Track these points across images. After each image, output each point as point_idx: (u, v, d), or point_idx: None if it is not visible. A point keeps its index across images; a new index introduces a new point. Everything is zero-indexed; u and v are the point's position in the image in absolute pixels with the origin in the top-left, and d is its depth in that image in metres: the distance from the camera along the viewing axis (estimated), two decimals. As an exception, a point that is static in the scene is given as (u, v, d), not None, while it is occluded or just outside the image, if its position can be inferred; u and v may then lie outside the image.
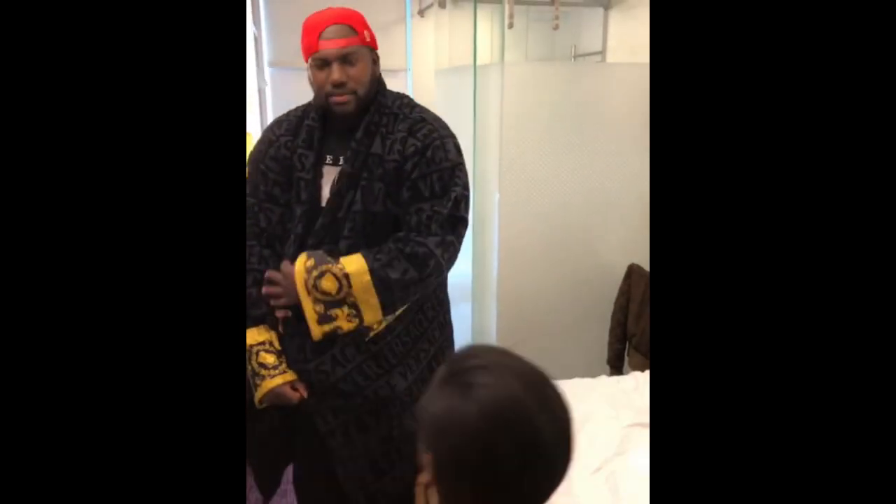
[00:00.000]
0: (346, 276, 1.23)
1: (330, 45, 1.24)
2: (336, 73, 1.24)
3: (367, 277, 1.23)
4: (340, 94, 1.26)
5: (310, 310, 1.25)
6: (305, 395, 1.33)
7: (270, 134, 1.39)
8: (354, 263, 1.24)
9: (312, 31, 1.25)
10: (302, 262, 1.25)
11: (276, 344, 1.34)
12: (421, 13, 3.36)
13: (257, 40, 2.92)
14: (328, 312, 1.25)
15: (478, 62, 2.38)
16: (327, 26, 1.24)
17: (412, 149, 1.29)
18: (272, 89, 3.10)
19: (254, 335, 1.33)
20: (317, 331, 1.26)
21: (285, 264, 1.28)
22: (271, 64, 3.12)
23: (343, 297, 1.24)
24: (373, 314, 1.26)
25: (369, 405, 1.33)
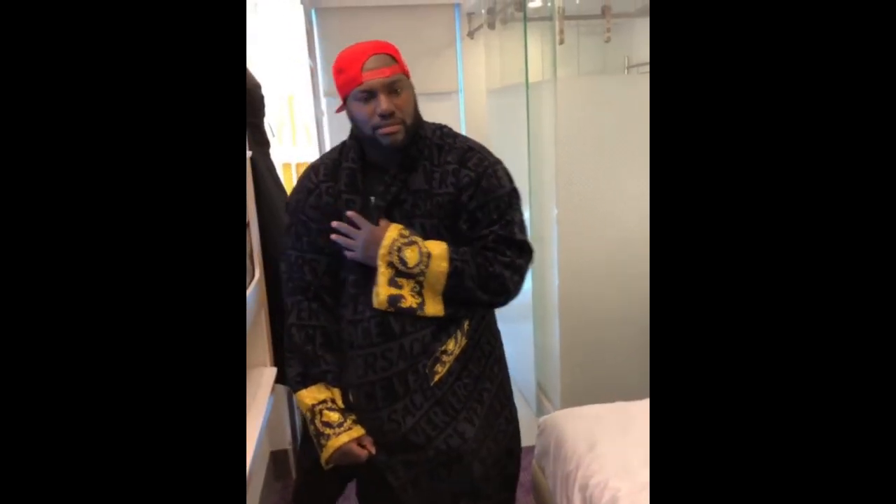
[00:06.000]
0: (428, 255, 1.23)
1: (375, 75, 1.19)
2: (384, 103, 1.19)
3: (445, 266, 1.23)
4: (389, 125, 1.20)
5: (383, 270, 1.23)
6: (374, 450, 1.29)
7: (308, 182, 1.33)
8: (437, 248, 1.24)
9: (353, 64, 1.19)
10: (396, 227, 1.24)
11: (339, 401, 1.30)
12: (470, 35, 3.40)
13: (313, 72, 3.00)
14: (396, 279, 1.24)
15: (530, 80, 2.38)
16: (368, 57, 1.19)
17: (466, 179, 1.25)
18: (329, 118, 3.18)
19: (314, 393, 1.30)
20: (384, 293, 1.24)
21: (368, 225, 1.25)
22: (327, 94, 3.21)
23: (416, 273, 1.23)
24: (433, 305, 1.25)
25: (441, 457, 1.29)
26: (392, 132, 1.21)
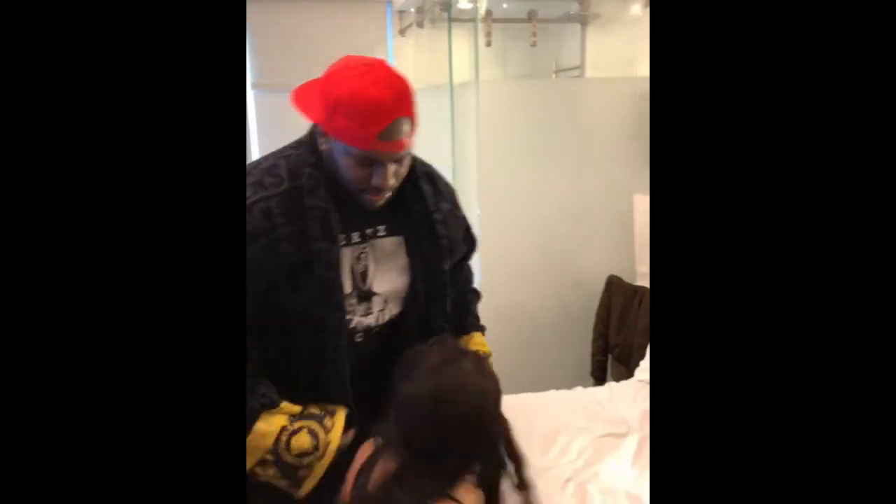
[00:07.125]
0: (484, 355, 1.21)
1: (391, 148, 0.96)
2: (384, 177, 0.99)
3: (485, 348, 1.35)
4: (380, 195, 1.03)
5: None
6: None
7: (260, 223, 1.00)
8: (479, 345, 1.35)
9: (369, 121, 0.93)
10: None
11: (292, 407, 1.04)
12: (402, 32, 3.40)
13: (240, 63, 2.94)
14: None
15: (457, 80, 2.42)
16: (393, 120, 0.94)
17: (447, 206, 1.19)
18: (256, 113, 3.11)
19: (271, 423, 1.01)
20: None
21: None
22: (255, 86, 3.14)
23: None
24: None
25: None
26: (377, 200, 1.03)
